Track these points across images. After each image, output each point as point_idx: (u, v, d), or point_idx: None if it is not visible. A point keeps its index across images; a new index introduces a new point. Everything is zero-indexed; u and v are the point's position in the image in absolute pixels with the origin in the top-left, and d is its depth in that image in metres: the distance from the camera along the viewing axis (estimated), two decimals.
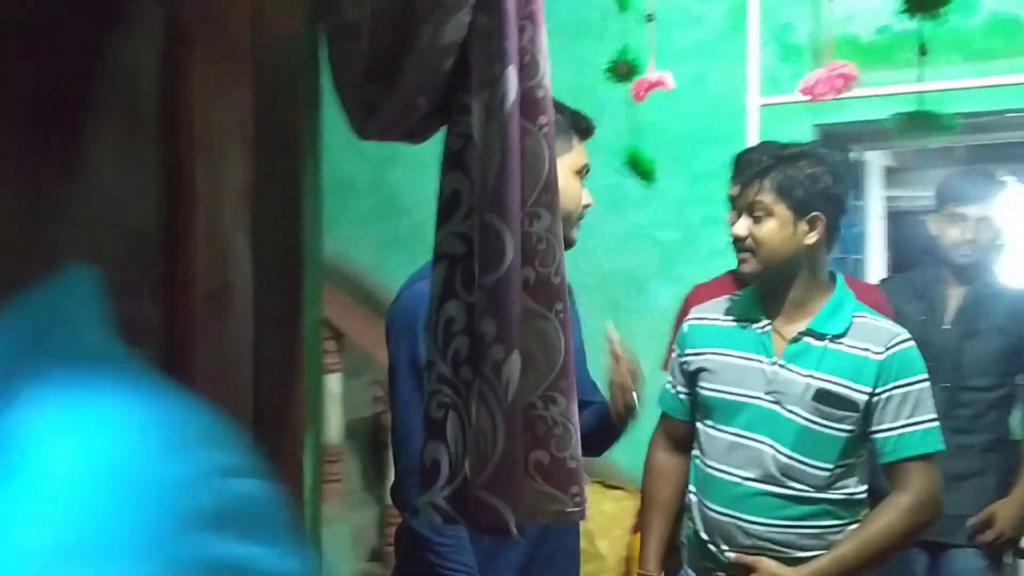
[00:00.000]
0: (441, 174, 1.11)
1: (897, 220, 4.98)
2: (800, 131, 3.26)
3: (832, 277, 1.90)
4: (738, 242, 1.84)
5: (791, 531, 1.79)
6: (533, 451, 1.06)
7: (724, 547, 1.85)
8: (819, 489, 1.77)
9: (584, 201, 1.77)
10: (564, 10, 3.65)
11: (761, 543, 1.80)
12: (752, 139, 2.83)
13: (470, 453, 1.06)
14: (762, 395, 1.81)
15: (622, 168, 3.01)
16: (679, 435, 2.04)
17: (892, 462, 1.77)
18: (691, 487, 1.97)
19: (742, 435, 1.83)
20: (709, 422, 1.90)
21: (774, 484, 1.78)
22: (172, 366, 0.78)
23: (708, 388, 1.90)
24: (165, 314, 0.79)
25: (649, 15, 2.58)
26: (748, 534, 1.81)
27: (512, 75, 1.02)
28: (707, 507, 1.88)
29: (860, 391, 1.75)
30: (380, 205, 4.25)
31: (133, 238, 0.79)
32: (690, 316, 2.03)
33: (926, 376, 1.78)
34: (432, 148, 1.16)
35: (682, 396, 2.01)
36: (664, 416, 2.08)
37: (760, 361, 1.84)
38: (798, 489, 1.78)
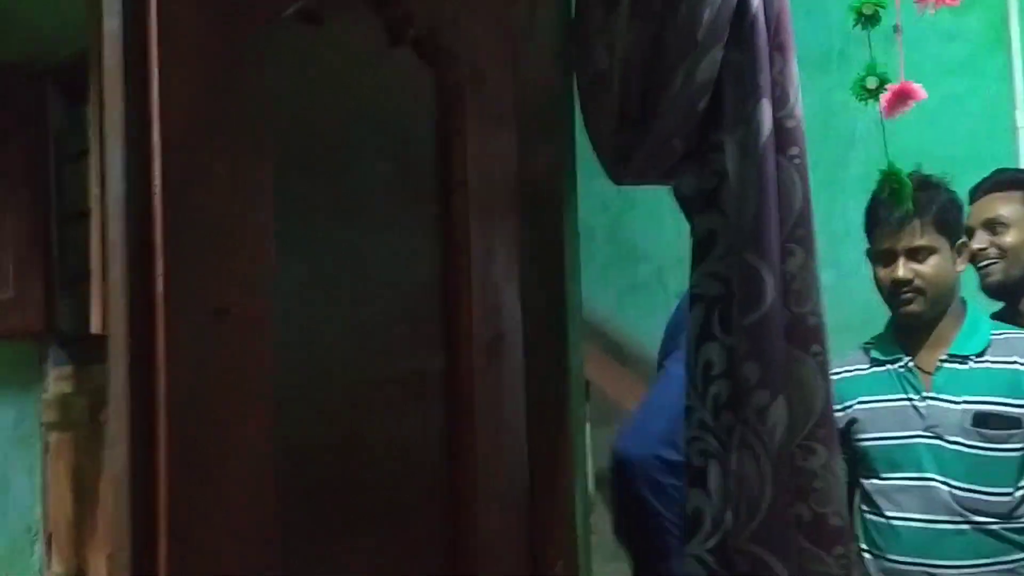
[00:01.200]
0: (693, 214, 1.09)
1: None
2: None
3: (963, 301, 1.84)
4: (901, 286, 1.78)
5: (985, 570, 1.68)
6: (794, 504, 1.01)
7: None
8: (1006, 518, 1.68)
9: None
10: (803, 40, 3.54)
11: None
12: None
13: (734, 503, 1.02)
14: (921, 432, 1.74)
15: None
16: None
17: None
18: (862, 546, 1.85)
19: (912, 478, 1.75)
20: (875, 474, 1.82)
21: (959, 522, 1.70)
22: (454, 415, 0.80)
23: (865, 439, 1.82)
24: (446, 365, 0.82)
25: (895, 26, 2.42)
26: None
27: (766, 108, 1.00)
28: (891, 560, 1.78)
29: (1020, 405, 1.68)
30: (618, 252, 4.25)
31: (413, 293, 0.83)
32: None
33: None
34: (669, 193, 1.15)
35: None
36: None
37: (910, 399, 1.77)
38: (984, 523, 1.69)
